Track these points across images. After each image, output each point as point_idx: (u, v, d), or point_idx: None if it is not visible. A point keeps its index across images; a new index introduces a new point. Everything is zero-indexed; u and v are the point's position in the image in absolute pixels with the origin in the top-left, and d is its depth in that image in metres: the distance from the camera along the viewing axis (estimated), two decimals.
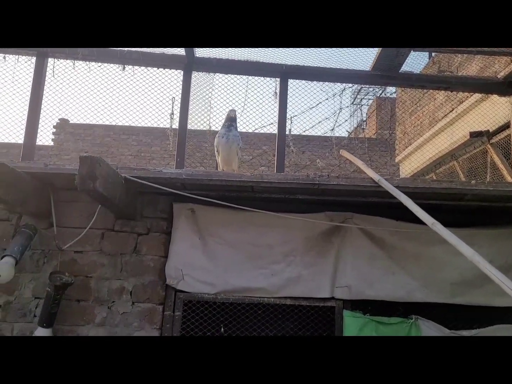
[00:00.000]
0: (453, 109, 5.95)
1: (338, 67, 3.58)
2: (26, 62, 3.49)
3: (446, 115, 6.18)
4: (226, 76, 3.62)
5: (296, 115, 3.91)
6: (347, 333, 2.75)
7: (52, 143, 11.98)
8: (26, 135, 3.29)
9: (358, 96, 10.15)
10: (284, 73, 3.52)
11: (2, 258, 2.36)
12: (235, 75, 3.63)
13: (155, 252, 2.84)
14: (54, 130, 12.17)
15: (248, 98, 3.58)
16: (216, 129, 3.64)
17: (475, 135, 4.52)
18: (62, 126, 12.01)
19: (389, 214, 2.94)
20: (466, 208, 2.83)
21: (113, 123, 3.75)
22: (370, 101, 11.08)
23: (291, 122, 3.71)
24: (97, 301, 2.73)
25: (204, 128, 3.73)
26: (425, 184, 2.57)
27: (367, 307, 2.85)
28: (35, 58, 3.44)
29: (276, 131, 3.51)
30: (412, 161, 7.36)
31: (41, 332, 2.51)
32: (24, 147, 3.27)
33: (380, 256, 2.92)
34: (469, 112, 5.50)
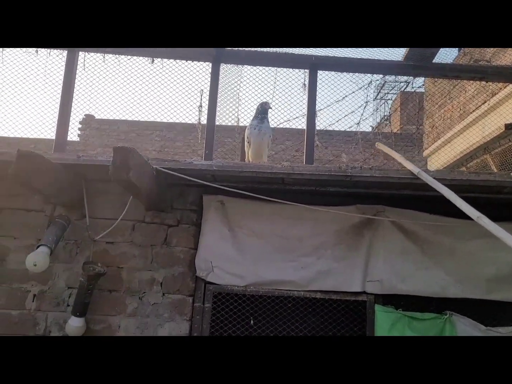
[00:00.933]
0: (485, 101, 5.77)
1: (368, 57, 3.51)
2: (57, 56, 3.54)
3: (478, 107, 6.00)
4: (255, 68, 3.58)
5: (321, 109, 3.86)
6: (379, 328, 2.70)
7: (78, 139, 12.22)
8: (58, 128, 3.33)
9: (382, 91, 9.95)
10: (314, 64, 3.46)
11: (37, 248, 2.40)
12: (264, 67, 3.58)
13: (185, 244, 2.84)
14: (80, 125, 12.40)
15: (277, 90, 3.54)
16: (243, 124, 3.62)
17: (511, 127, 4.36)
18: (88, 121, 12.20)
19: (421, 207, 2.87)
20: (504, 201, 2.73)
21: (141, 118, 3.75)
22: (394, 96, 10.85)
23: (316, 116, 3.65)
24: (129, 292, 2.75)
25: (229, 124, 3.70)
26: (463, 176, 2.49)
27: (399, 302, 2.79)
28: (66, 51, 3.48)
29: (303, 125, 3.47)
30: (441, 155, 7.19)
31: (74, 321, 2.55)
32: (56, 139, 3.31)
33: (413, 250, 2.85)
34: (503, 104, 5.32)
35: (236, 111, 3.51)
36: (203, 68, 3.61)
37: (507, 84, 5.00)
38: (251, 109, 3.55)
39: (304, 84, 3.55)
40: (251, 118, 3.32)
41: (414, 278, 2.81)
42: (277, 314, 2.83)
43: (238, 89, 3.53)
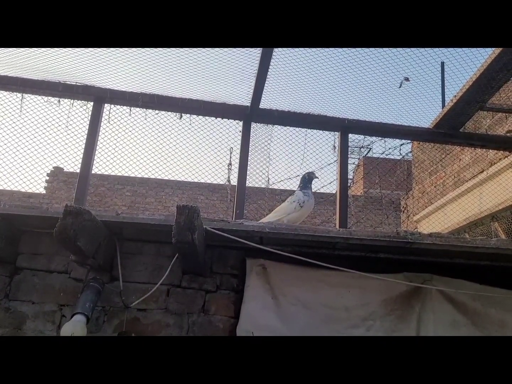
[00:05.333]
0: (483, 170, 5.97)
1: (398, 123, 3.55)
2: (81, 107, 3.39)
3: (474, 176, 6.18)
4: (285, 128, 3.55)
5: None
6: None
7: (44, 191, 11.76)
8: (80, 180, 3.12)
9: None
10: (345, 127, 3.46)
11: (72, 316, 2.10)
12: (294, 128, 3.55)
13: (225, 312, 2.59)
14: (48, 177, 11.99)
15: (307, 151, 3.49)
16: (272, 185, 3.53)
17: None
18: (56, 173, 11.85)
19: (469, 277, 2.77)
20: None
21: (167, 177, 3.58)
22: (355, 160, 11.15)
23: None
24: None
25: (257, 185, 3.60)
26: None
27: None
28: (92, 102, 3.35)
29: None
30: (431, 221, 7.30)
31: None
32: (77, 192, 3.09)
33: (464, 323, 2.71)
34: (503, 174, 5.50)
35: (267, 171, 3.41)
36: (232, 127, 3.55)
37: (508, 154, 5.20)
38: (280, 169, 3.47)
39: (334, 146, 3.53)
40: (297, 185, 3.27)
41: None
42: None
43: (268, 148, 3.45)
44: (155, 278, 2.54)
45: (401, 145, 5.44)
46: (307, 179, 3.17)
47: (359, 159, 10.88)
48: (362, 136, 3.75)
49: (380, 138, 3.59)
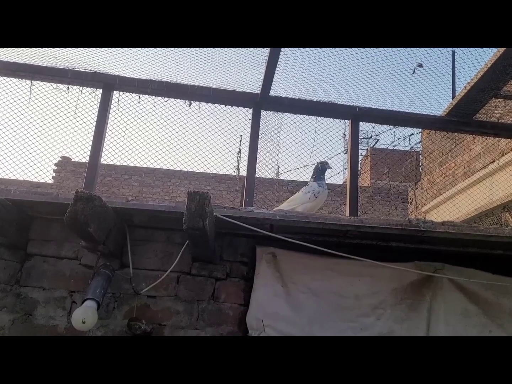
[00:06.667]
0: (494, 160, 5.89)
1: (409, 111, 3.49)
2: (90, 94, 3.37)
3: (485, 166, 6.11)
4: (295, 116, 3.51)
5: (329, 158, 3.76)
6: None
7: (52, 181, 11.81)
8: (88, 168, 3.12)
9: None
10: (356, 115, 3.41)
11: (83, 302, 2.10)
12: (304, 115, 3.51)
13: (234, 300, 2.59)
14: (55, 167, 12.02)
15: (317, 139, 3.46)
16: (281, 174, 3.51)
17: None
18: (64, 163, 11.88)
19: (481, 266, 2.73)
20: None
21: (170, 167, 3.56)
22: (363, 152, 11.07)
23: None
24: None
25: (266, 175, 3.57)
26: None
27: None
28: (101, 90, 3.33)
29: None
30: (440, 211, 7.24)
31: None
32: (86, 181, 3.09)
33: (475, 313, 2.68)
34: None
35: (276, 160, 3.38)
36: (241, 114, 3.51)
37: None
38: (290, 157, 3.44)
39: (344, 134, 3.49)
40: (311, 175, 3.24)
41: None
42: None
43: (278, 136, 3.42)
44: (165, 265, 2.54)
45: (411, 135, 5.38)
46: (321, 170, 3.14)
47: (367, 150, 10.80)
48: (370, 127, 3.72)
49: (390, 127, 3.53)
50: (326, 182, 3.28)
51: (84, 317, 1.99)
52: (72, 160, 11.59)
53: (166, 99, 3.40)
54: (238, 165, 3.35)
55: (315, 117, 3.49)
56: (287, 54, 3.08)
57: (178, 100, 3.43)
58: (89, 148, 3.18)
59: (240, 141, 3.38)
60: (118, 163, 3.57)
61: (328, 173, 3.33)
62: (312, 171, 3.18)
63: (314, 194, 3.03)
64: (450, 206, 6.90)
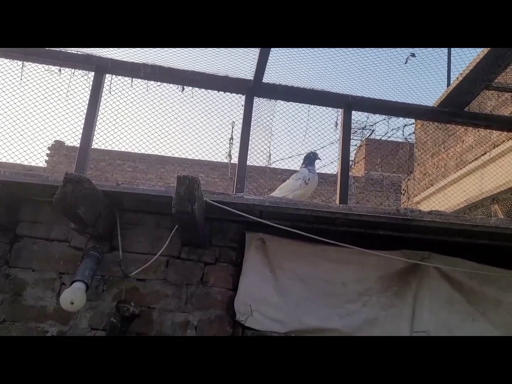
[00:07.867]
0: (485, 152, 5.93)
1: (401, 101, 3.51)
2: (82, 77, 3.35)
3: (476, 158, 6.16)
4: (288, 103, 3.51)
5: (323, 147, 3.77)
6: None
7: (45, 164, 11.72)
8: (80, 152, 3.11)
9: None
10: (349, 104, 3.42)
11: (72, 284, 2.12)
12: (297, 103, 3.51)
13: (223, 284, 2.62)
14: (48, 151, 11.93)
15: (310, 127, 3.46)
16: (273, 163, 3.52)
17: None
18: (57, 147, 11.80)
19: (467, 255, 2.78)
20: None
21: (167, 153, 3.54)
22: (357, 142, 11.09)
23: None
24: (160, 335, 2.48)
25: (258, 162, 3.58)
26: None
27: None
28: (93, 72, 3.31)
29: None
30: (432, 202, 7.29)
31: None
32: (77, 164, 3.08)
33: (459, 301, 2.73)
34: (505, 156, 5.47)
35: (268, 147, 3.39)
36: (234, 100, 3.50)
37: (511, 136, 5.16)
38: (282, 145, 3.45)
39: (336, 123, 3.50)
40: (301, 163, 3.26)
41: (461, 330, 2.67)
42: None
43: (271, 123, 3.43)
44: (154, 249, 2.56)
45: (405, 126, 5.40)
46: (312, 158, 3.16)
47: (361, 140, 10.81)
48: (364, 118, 3.73)
49: (384, 117, 3.55)
50: (319, 172, 3.30)
51: (73, 298, 2.01)
52: (66, 144, 11.51)
53: (158, 83, 3.39)
54: (230, 151, 3.36)
55: (308, 105, 3.49)
56: None
57: (171, 85, 3.41)
58: (81, 130, 3.17)
59: (233, 127, 3.38)
60: (110, 148, 3.55)
61: (321, 163, 3.37)
62: (303, 160, 3.20)
63: (305, 181, 3.06)
64: (441, 197, 6.95)
